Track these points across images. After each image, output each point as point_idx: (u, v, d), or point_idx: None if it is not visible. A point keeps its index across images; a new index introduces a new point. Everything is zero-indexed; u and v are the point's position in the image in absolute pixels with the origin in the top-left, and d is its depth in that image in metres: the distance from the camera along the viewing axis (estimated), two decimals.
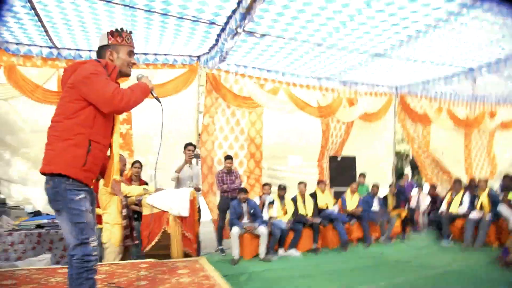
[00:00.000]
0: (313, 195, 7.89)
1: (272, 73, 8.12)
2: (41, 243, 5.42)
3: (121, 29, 2.77)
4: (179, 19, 5.68)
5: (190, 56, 7.45)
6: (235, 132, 7.96)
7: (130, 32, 2.82)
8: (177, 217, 4.56)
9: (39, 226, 5.54)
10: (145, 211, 4.68)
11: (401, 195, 8.67)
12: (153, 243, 4.55)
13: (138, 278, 3.71)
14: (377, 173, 9.63)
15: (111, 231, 4.60)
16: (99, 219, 4.80)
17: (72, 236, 2.47)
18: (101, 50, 2.75)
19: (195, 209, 4.95)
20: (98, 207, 4.78)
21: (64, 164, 2.45)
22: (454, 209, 7.93)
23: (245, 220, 6.88)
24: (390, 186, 8.81)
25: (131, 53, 2.78)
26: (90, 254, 2.48)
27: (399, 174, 11.88)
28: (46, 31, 6.09)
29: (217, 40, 6.51)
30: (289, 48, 6.84)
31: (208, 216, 7.73)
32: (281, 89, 8.25)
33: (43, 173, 2.53)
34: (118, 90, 2.49)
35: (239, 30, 5.60)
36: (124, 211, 4.85)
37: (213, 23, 5.83)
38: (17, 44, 6.62)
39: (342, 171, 8.82)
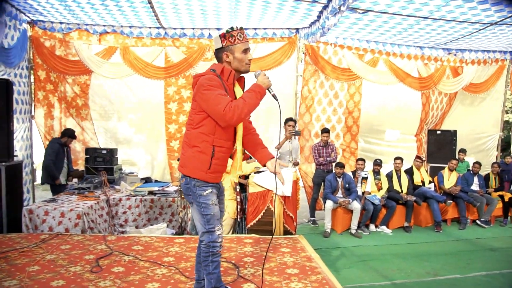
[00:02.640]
0: (409, 171, 7.80)
1: (372, 43, 7.87)
2: (153, 208, 6.14)
3: (232, 28, 2.80)
4: None
5: (288, 29, 7.50)
6: (334, 105, 7.97)
7: (241, 28, 2.82)
8: (281, 196, 4.88)
9: (151, 193, 6.22)
10: (251, 189, 5.02)
11: (505, 174, 8.20)
12: (257, 219, 4.94)
13: (245, 254, 4.11)
14: (480, 149, 9.16)
15: (227, 205, 5.04)
16: None
17: (200, 224, 2.85)
18: (218, 53, 2.84)
19: (297, 190, 5.23)
20: None
21: (193, 168, 2.79)
22: None
23: (339, 194, 7.08)
24: (493, 164, 8.33)
25: (246, 51, 2.80)
26: (215, 241, 2.83)
27: (504, 150, 11.07)
28: (155, 14, 6.52)
29: (318, 17, 6.47)
30: (393, 22, 6.59)
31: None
32: (380, 59, 8.02)
33: (179, 171, 2.90)
34: (229, 106, 2.60)
35: (342, 8, 5.52)
36: (238, 187, 5.29)
37: (315, 1, 5.80)
38: (130, 27, 7.24)
39: (440, 146, 8.48)
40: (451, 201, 7.49)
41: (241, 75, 2.93)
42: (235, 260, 3.91)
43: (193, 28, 7.34)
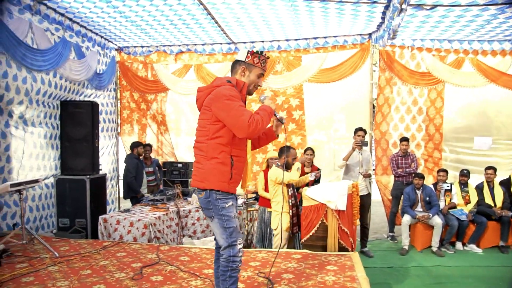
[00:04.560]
0: (505, 183, 6.84)
1: (455, 42, 7.12)
2: None
3: (261, 52, 2.91)
4: (339, 3, 5.53)
5: (361, 35, 7.16)
6: (412, 112, 7.37)
7: (267, 58, 2.98)
8: (335, 210, 4.62)
9: None
10: (305, 203, 4.85)
11: None
12: (310, 233, 4.72)
13: (287, 270, 3.96)
14: None
15: (280, 218, 4.95)
16: (268, 202, 5.33)
17: (222, 238, 2.81)
18: (236, 64, 2.93)
19: (353, 203, 4.91)
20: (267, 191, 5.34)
21: (215, 180, 2.77)
22: None
23: (419, 208, 6.52)
24: None
25: (260, 76, 2.93)
26: (236, 255, 2.79)
27: None
28: (222, 29, 6.74)
29: (383, 18, 6.10)
30: (469, 15, 5.87)
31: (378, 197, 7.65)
32: (466, 59, 7.21)
33: (196, 187, 2.90)
34: (252, 119, 2.64)
35: (403, 6, 5.12)
36: (292, 200, 5.17)
37: (375, 1, 5.47)
38: (202, 44, 7.57)
39: None
40: None
41: None
42: (274, 275, 3.79)
43: (262, 41, 7.42)
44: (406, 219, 6.38)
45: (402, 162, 6.91)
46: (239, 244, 2.82)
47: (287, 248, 5.05)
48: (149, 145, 7.32)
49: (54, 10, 5.78)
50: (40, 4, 5.49)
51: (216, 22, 6.39)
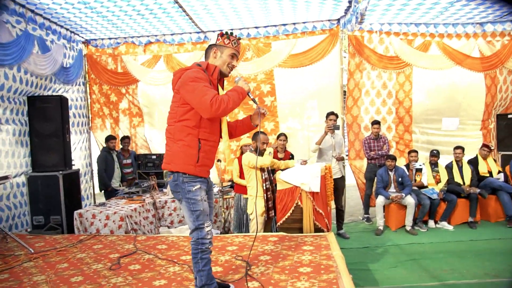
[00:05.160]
0: (473, 161, 7.08)
1: (422, 26, 7.27)
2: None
3: (231, 33, 2.93)
4: None
5: (329, 20, 7.22)
6: (382, 96, 7.51)
7: (239, 38, 2.99)
8: (309, 193, 4.68)
9: None
10: (279, 186, 4.88)
11: None
12: (286, 216, 4.76)
13: (264, 252, 4.01)
14: None
15: (255, 202, 4.99)
16: (243, 189, 5.38)
17: (190, 221, 2.83)
18: (208, 48, 2.96)
19: (327, 185, 4.99)
20: (243, 178, 5.39)
21: (181, 163, 2.78)
22: None
23: (392, 189, 6.68)
24: None
25: (233, 56, 2.93)
26: (204, 238, 2.81)
27: None
28: (190, 18, 6.67)
29: (350, 2, 6.17)
30: None
31: (353, 181, 7.78)
32: (433, 42, 7.37)
33: (165, 169, 2.91)
34: (216, 98, 2.63)
35: None
36: (267, 184, 5.21)
37: None
38: (171, 34, 7.47)
39: None
40: None
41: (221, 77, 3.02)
42: (251, 258, 3.83)
43: (232, 29, 7.37)
44: (380, 200, 6.53)
45: (374, 145, 7.04)
46: (207, 227, 2.84)
47: (264, 232, 5.10)
48: (127, 137, 7.24)
49: (13, 1, 5.55)
50: None
51: (184, 11, 6.32)
